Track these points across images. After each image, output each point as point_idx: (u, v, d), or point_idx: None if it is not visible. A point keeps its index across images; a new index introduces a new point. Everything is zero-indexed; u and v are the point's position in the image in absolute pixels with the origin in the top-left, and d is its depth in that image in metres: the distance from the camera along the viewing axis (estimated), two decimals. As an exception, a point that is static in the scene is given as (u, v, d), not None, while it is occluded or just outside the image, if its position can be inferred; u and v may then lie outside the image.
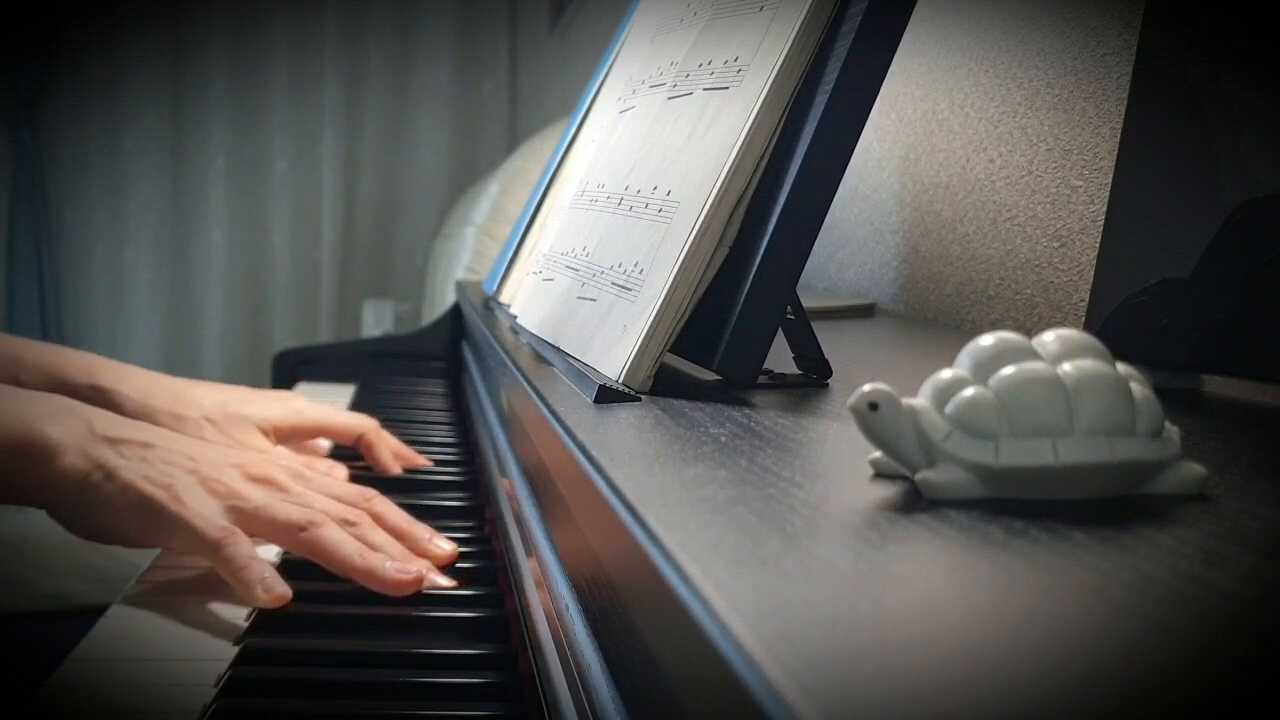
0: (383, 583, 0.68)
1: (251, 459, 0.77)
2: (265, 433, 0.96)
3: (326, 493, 0.77)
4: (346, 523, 0.73)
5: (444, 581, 0.71)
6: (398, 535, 0.75)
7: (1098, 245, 0.67)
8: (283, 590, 0.66)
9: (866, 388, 0.35)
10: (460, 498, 0.93)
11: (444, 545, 0.75)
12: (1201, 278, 0.57)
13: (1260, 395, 0.58)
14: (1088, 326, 0.63)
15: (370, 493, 0.78)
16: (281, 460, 0.80)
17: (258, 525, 0.71)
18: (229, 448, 0.80)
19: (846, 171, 0.56)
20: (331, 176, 3.53)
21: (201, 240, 3.55)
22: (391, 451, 1.01)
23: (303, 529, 0.71)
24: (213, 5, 3.50)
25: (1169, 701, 0.20)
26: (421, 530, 0.76)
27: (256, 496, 0.72)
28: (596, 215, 0.72)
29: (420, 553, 0.74)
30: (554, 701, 0.49)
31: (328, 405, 1.04)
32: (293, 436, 0.98)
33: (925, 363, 0.46)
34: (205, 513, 0.69)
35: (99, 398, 0.90)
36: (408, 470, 1.00)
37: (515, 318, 0.83)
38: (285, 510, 0.72)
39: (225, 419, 0.94)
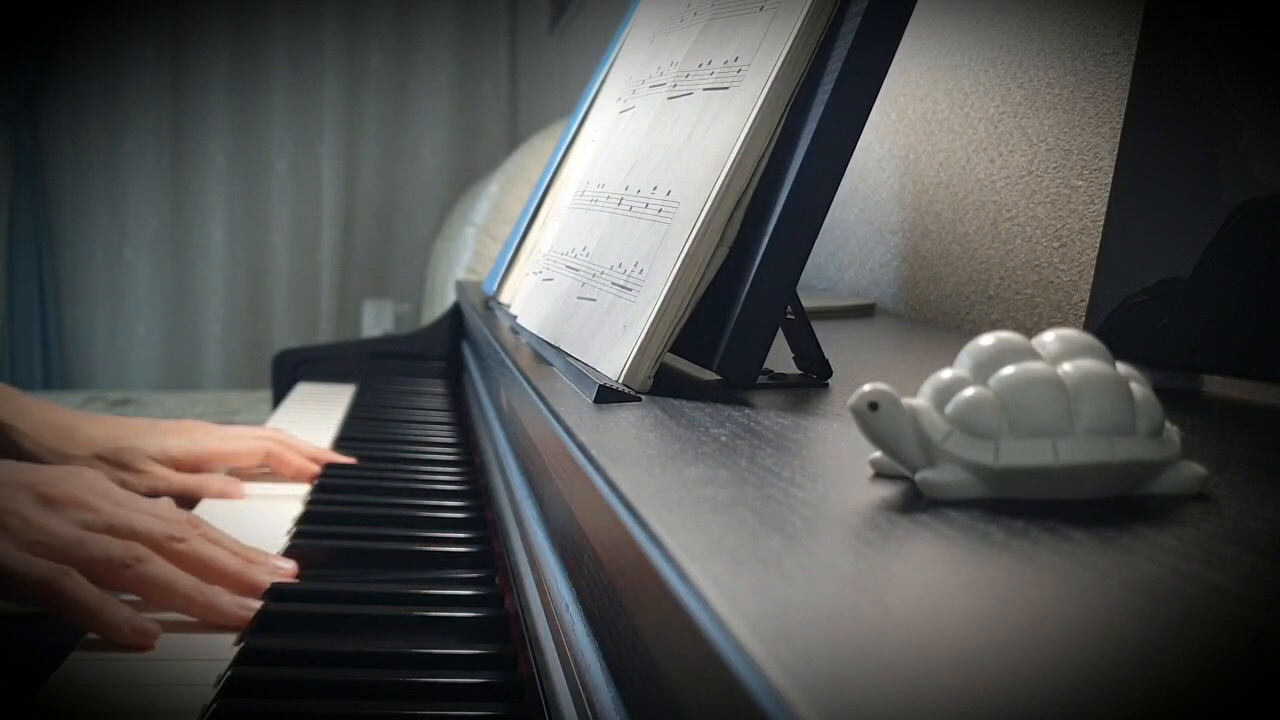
0: (224, 618, 0.63)
1: (49, 476, 0.68)
2: (164, 465, 0.93)
3: (145, 511, 0.69)
4: (173, 539, 0.66)
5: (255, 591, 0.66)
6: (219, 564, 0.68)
7: (1098, 245, 0.67)
8: (152, 627, 0.61)
9: (866, 388, 0.35)
10: (460, 498, 0.93)
11: (284, 565, 0.71)
12: (1201, 278, 0.57)
13: (1260, 395, 0.58)
14: (1088, 326, 0.63)
15: (197, 519, 0.71)
16: (87, 477, 0.70)
17: (70, 562, 0.62)
18: (21, 466, 0.69)
19: (846, 171, 0.56)
20: (331, 176, 3.54)
21: (201, 240, 3.55)
22: (304, 456, 0.98)
23: (126, 566, 0.63)
24: (213, 5, 3.50)
25: (1169, 701, 0.20)
26: (254, 552, 0.70)
27: (62, 531, 0.63)
28: (596, 215, 0.72)
29: (236, 582, 0.67)
30: (554, 701, 0.49)
31: (229, 429, 1.00)
32: (195, 468, 0.95)
33: (925, 363, 0.46)
34: (16, 552, 0.61)
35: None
36: (406, 470, 1.00)
37: (515, 318, 0.83)
38: (101, 546, 0.63)
39: (117, 454, 0.91)
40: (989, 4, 1.04)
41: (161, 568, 0.64)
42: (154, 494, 0.86)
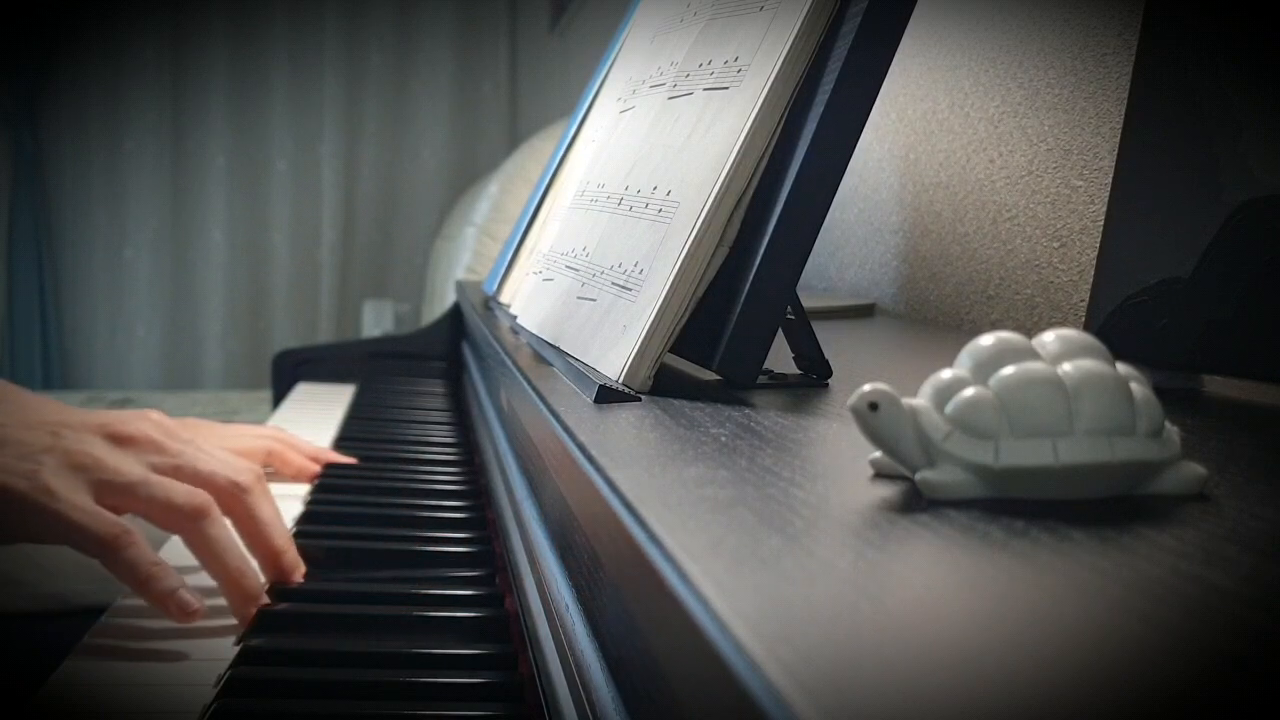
0: (248, 604, 0.63)
1: (119, 416, 0.68)
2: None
3: (212, 454, 0.69)
4: (237, 487, 0.67)
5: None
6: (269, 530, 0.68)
7: (1098, 245, 0.67)
8: (198, 605, 0.61)
9: (866, 388, 0.35)
10: (459, 498, 0.93)
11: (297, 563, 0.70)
12: (1201, 278, 0.57)
13: (1260, 395, 0.58)
14: (1088, 326, 0.63)
15: (261, 474, 0.70)
16: (154, 417, 0.70)
17: (136, 504, 0.63)
18: (86, 410, 0.70)
19: (846, 171, 0.56)
20: (331, 176, 3.54)
21: (201, 240, 3.55)
22: (304, 455, 0.97)
23: (187, 517, 0.63)
24: (213, 5, 3.50)
25: (1169, 701, 0.20)
26: (285, 538, 0.70)
27: (131, 470, 0.64)
28: (596, 215, 0.72)
29: (272, 554, 0.68)
30: (554, 701, 0.49)
31: (231, 428, 0.99)
32: None
33: (925, 363, 0.46)
34: (86, 504, 0.61)
35: None
36: (406, 470, 1.00)
37: (515, 318, 0.83)
38: (165, 490, 0.63)
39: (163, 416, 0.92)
40: (989, 4, 1.04)
41: (219, 531, 0.64)
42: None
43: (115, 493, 0.62)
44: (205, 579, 0.65)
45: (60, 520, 0.60)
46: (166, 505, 0.63)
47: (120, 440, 0.66)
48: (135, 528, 0.62)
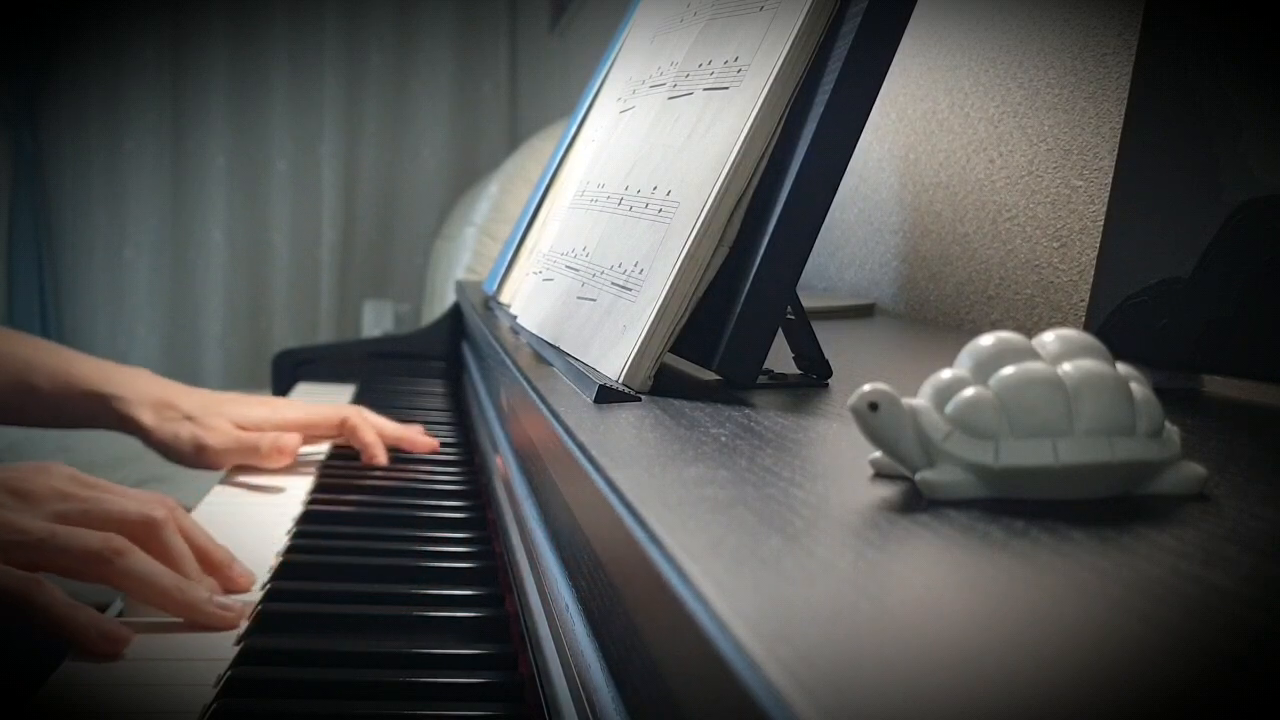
0: (204, 617, 0.63)
1: (21, 473, 0.66)
2: (245, 430, 0.98)
3: (120, 494, 0.68)
4: (149, 521, 0.65)
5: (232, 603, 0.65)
6: (201, 553, 0.68)
7: (1098, 245, 0.67)
8: (124, 633, 0.60)
9: (866, 388, 0.35)
10: (459, 498, 0.93)
11: (245, 572, 0.70)
12: (1201, 278, 0.57)
13: (1260, 395, 0.58)
14: (1088, 326, 0.63)
15: (173, 503, 0.70)
16: (57, 471, 0.69)
17: (46, 558, 0.61)
18: None
19: (846, 171, 0.56)
20: (331, 176, 3.54)
21: (201, 240, 3.55)
22: (378, 433, 1.01)
23: (104, 559, 0.61)
24: (213, 5, 3.50)
25: (1169, 701, 0.20)
26: (223, 553, 0.70)
27: (35, 527, 0.62)
28: (596, 215, 0.72)
29: (220, 574, 0.68)
30: (554, 701, 0.49)
31: (313, 404, 1.05)
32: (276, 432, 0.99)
33: (925, 363, 0.46)
34: None
35: (107, 404, 0.94)
36: (406, 470, 1.00)
37: (515, 318, 0.83)
38: (77, 539, 0.61)
39: (204, 415, 0.97)
40: (989, 4, 1.04)
41: (140, 561, 0.63)
42: (201, 449, 0.94)
43: (24, 550, 0.61)
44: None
45: None
46: (82, 553, 0.61)
47: (21, 496, 0.65)
48: (49, 583, 0.60)
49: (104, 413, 0.96)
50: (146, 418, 0.96)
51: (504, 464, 0.81)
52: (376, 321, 3.57)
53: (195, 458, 0.96)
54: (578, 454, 0.43)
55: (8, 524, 0.62)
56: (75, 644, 0.59)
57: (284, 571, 0.73)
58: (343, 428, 1.01)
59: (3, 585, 0.59)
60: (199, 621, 0.63)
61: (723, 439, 0.44)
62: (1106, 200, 0.65)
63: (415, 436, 1.05)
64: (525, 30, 3.63)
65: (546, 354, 0.68)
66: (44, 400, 0.95)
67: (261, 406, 1.02)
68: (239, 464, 0.98)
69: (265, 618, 0.65)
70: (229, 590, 0.68)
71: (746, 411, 0.50)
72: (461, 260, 2.29)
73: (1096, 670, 0.21)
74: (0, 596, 0.59)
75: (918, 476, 0.35)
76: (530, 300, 0.80)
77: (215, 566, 0.69)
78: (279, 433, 0.98)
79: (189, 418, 0.97)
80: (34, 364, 0.95)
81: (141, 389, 0.97)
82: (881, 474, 0.38)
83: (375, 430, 1.02)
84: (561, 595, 0.51)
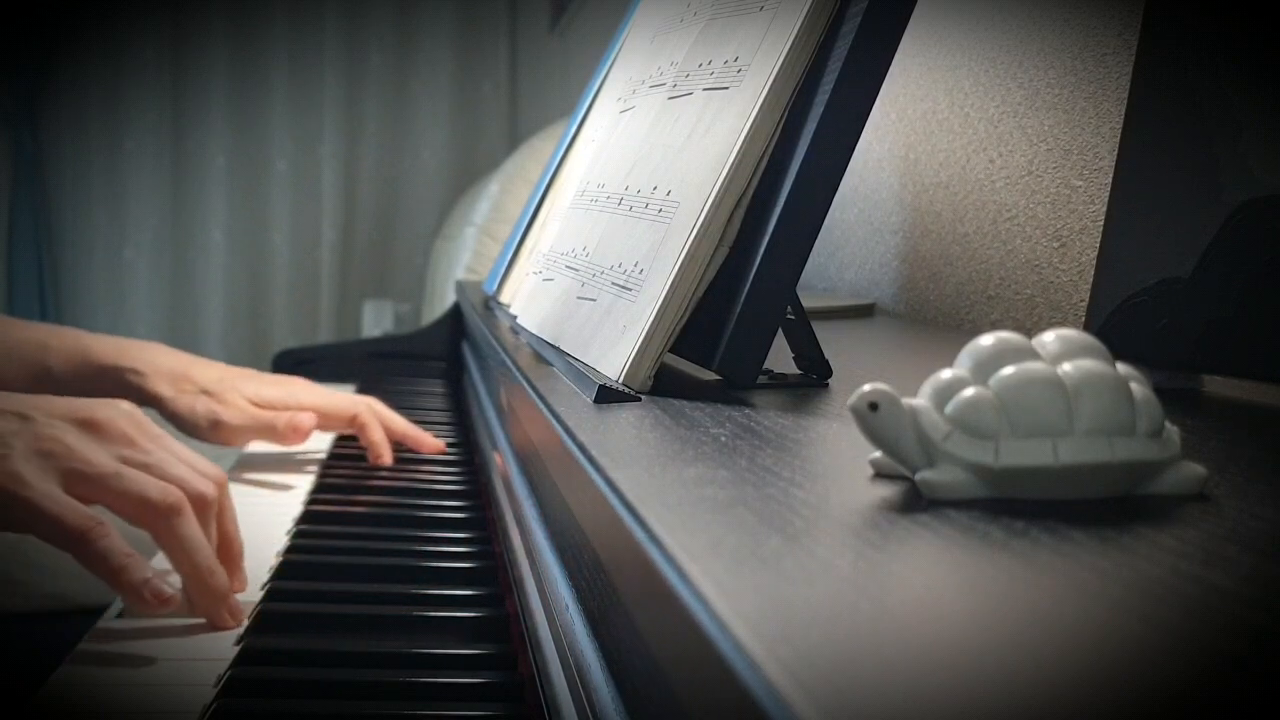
0: (216, 611, 0.63)
1: (89, 404, 0.66)
2: (260, 408, 0.98)
3: (181, 458, 0.68)
4: (202, 499, 0.65)
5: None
6: (226, 539, 0.68)
7: (1098, 245, 0.67)
8: (172, 594, 0.60)
9: (866, 388, 0.35)
10: (459, 498, 0.93)
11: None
12: (1201, 278, 0.57)
13: (1260, 395, 0.58)
14: (1088, 326, 0.63)
15: (224, 479, 0.69)
16: (125, 408, 0.69)
17: (107, 497, 0.62)
18: (65, 399, 0.67)
19: (846, 171, 0.56)
20: (331, 176, 3.53)
21: (201, 240, 3.55)
22: (387, 429, 1.01)
23: (160, 512, 0.61)
24: (213, 5, 3.50)
25: (1169, 701, 0.20)
26: (240, 546, 0.70)
27: (102, 460, 0.62)
28: (596, 215, 0.72)
29: (232, 566, 0.68)
30: (554, 701, 0.49)
31: (329, 389, 1.05)
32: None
33: (925, 363, 0.46)
34: (56, 494, 0.59)
35: (123, 378, 0.95)
36: (406, 470, 1.00)
37: (515, 318, 0.83)
38: (139, 484, 0.62)
39: (221, 390, 0.97)
40: (989, 4, 1.04)
41: (190, 527, 0.63)
42: (217, 425, 0.94)
43: (86, 483, 0.61)
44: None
45: (30, 509, 0.58)
46: (140, 499, 0.61)
47: (91, 427, 0.64)
48: (113, 526, 0.61)
49: (121, 387, 0.96)
50: (164, 389, 0.96)
51: (504, 464, 0.81)
52: (376, 321, 3.57)
53: (210, 433, 0.96)
54: (578, 454, 0.43)
55: (75, 452, 0.61)
56: (124, 596, 0.60)
57: (284, 571, 0.73)
58: (353, 424, 1.01)
59: (69, 521, 0.59)
60: (208, 611, 0.63)
61: (723, 439, 0.44)
62: (1106, 200, 0.65)
63: (422, 435, 1.05)
64: (525, 30, 3.63)
65: (546, 354, 0.68)
66: (62, 381, 0.95)
67: (278, 386, 1.02)
68: (254, 439, 0.98)
69: (265, 618, 0.65)
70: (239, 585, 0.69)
71: (746, 411, 0.50)
72: (461, 260, 2.29)
73: (1097, 670, 0.21)
74: (63, 531, 0.58)
75: (918, 476, 0.35)
76: (530, 300, 0.80)
77: (232, 557, 0.69)
78: (295, 412, 0.98)
79: (206, 392, 0.97)
80: (50, 346, 0.96)
81: (158, 361, 0.98)
82: (881, 474, 0.38)
83: (384, 428, 1.02)
84: (561, 595, 0.51)
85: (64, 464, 0.61)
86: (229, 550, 0.68)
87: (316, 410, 1.01)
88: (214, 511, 0.67)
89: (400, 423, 1.04)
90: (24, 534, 0.59)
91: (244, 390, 0.99)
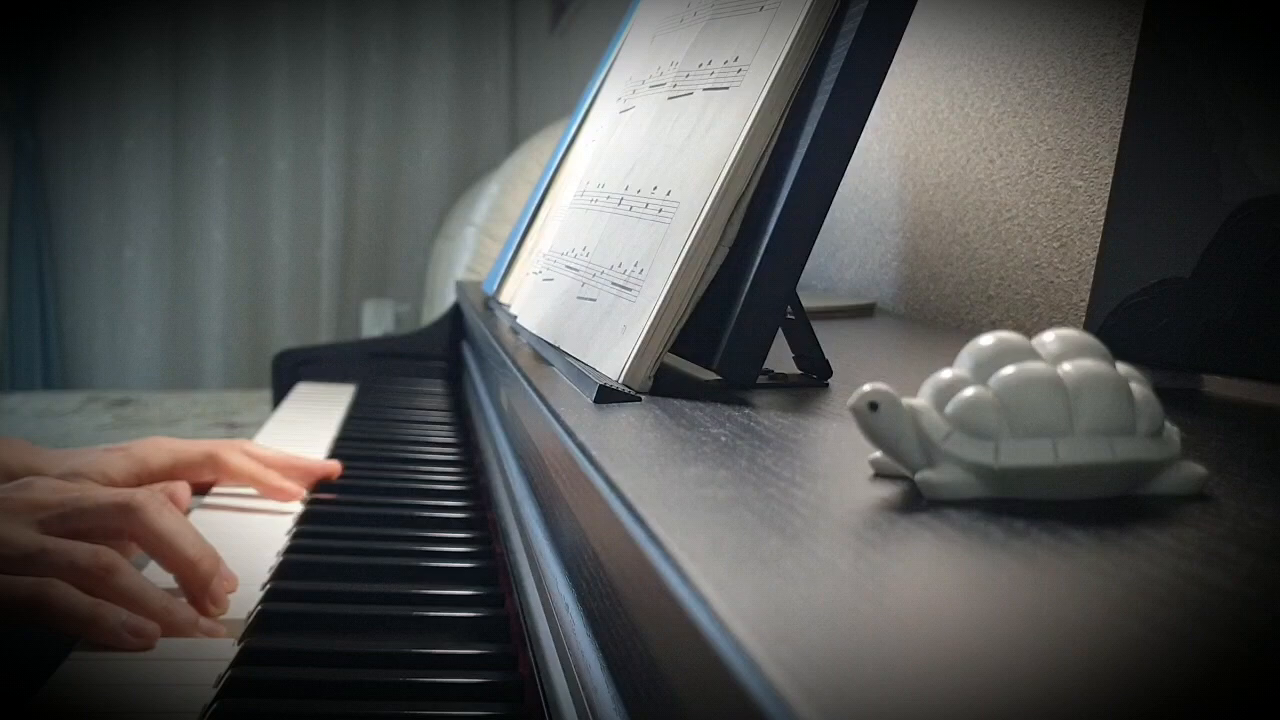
0: (191, 636, 0.63)
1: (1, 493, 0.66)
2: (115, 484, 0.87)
3: (99, 487, 0.67)
4: (126, 508, 0.65)
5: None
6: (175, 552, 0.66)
7: (1098, 245, 0.67)
8: (152, 627, 0.60)
9: (866, 388, 0.35)
10: (459, 498, 0.93)
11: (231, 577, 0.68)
12: (1201, 278, 0.57)
13: (1260, 395, 0.58)
14: (1088, 326, 0.63)
15: (151, 488, 0.69)
16: (38, 483, 0.69)
17: (39, 573, 0.61)
18: None
19: (846, 171, 0.56)
20: (331, 176, 3.53)
21: (201, 240, 3.55)
22: (271, 465, 0.91)
23: (95, 576, 0.61)
24: (213, 5, 3.50)
25: (1169, 701, 0.20)
26: (211, 561, 0.67)
27: (24, 539, 0.62)
28: (596, 215, 0.72)
29: (184, 565, 0.66)
30: (554, 701, 0.49)
31: (177, 441, 0.92)
32: (150, 484, 0.88)
33: (925, 363, 0.46)
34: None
35: None
36: (406, 470, 1.00)
37: (515, 318, 0.83)
38: (69, 553, 0.61)
39: (62, 478, 0.85)
40: (989, 4, 1.04)
41: (131, 579, 0.62)
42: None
43: (16, 566, 0.61)
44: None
45: None
46: (70, 568, 0.61)
47: (3, 511, 0.64)
48: (62, 582, 0.60)
49: None
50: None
51: (504, 464, 0.81)
52: (376, 321, 3.57)
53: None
54: (578, 454, 0.43)
55: (39, 501, 0.62)
56: (103, 642, 0.59)
57: (284, 571, 0.73)
58: (213, 468, 0.90)
59: (17, 595, 0.59)
60: (188, 632, 0.63)
61: (723, 439, 0.44)
62: (1106, 200, 0.65)
63: (312, 463, 0.94)
64: (525, 30, 3.63)
65: (546, 354, 0.68)
66: None
67: (124, 458, 0.88)
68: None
69: (265, 618, 0.65)
70: (198, 585, 0.66)
71: (746, 411, 0.50)
72: (461, 260, 2.29)
73: (1097, 670, 0.21)
74: (16, 606, 0.59)
75: (918, 476, 0.35)
76: (530, 300, 0.80)
77: (196, 579, 0.66)
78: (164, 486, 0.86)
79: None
80: None
81: (2, 459, 0.87)
82: (881, 474, 0.38)
83: (263, 461, 0.91)
84: (561, 595, 0.51)
85: (31, 516, 0.62)
86: (189, 574, 0.66)
87: (172, 469, 0.89)
88: (148, 515, 0.65)
89: (280, 455, 0.93)
90: None
91: (88, 472, 0.85)
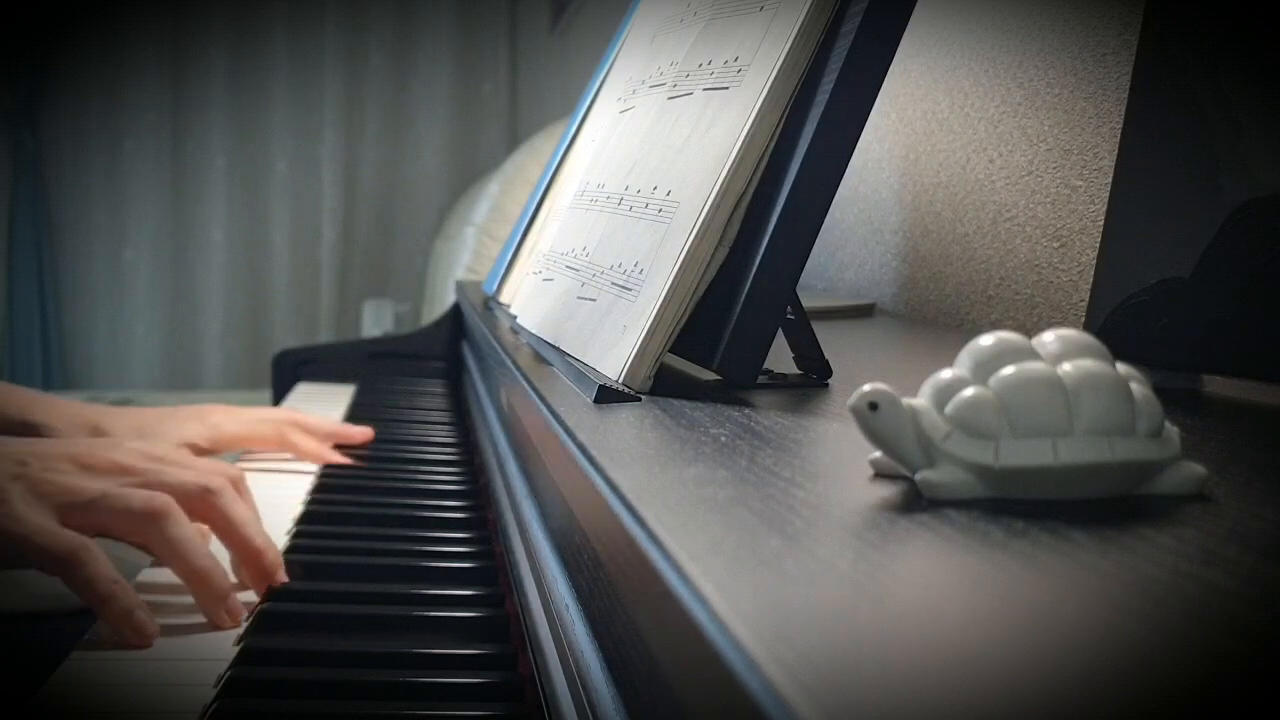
0: (215, 610, 0.64)
1: (89, 447, 0.69)
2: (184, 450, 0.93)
3: (181, 465, 0.70)
4: (206, 491, 0.67)
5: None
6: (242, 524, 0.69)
7: (1098, 245, 0.67)
8: (153, 627, 0.61)
9: (866, 388, 0.35)
10: (459, 498, 0.93)
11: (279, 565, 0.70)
12: (1201, 278, 0.57)
13: (1260, 395, 0.58)
14: (1088, 326, 0.63)
15: (240, 476, 0.71)
16: (127, 445, 0.71)
17: (99, 518, 0.63)
18: (66, 441, 0.72)
19: (846, 171, 0.56)
20: (331, 176, 3.54)
21: (201, 240, 3.55)
22: (320, 437, 1.02)
23: (149, 520, 0.63)
24: (213, 5, 3.50)
25: (1169, 701, 0.20)
26: (264, 539, 0.70)
27: (93, 487, 0.64)
28: (596, 215, 0.72)
29: (250, 553, 0.68)
30: (554, 701, 0.49)
31: (247, 412, 1.02)
32: (213, 452, 0.97)
33: (925, 363, 0.46)
34: (47, 525, 0.62)
35: (29, 433, 0.91)
36: (406, 470, 1.00)
37: (515, 318, 0.83)
38: (125, 498, 0.64)
39: (142, 441, 0.93)
40: (989, 4, 1.04)
41: (181, 531, 0.64)
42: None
43: (78, 511, 0.63)
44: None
45: (21, 542, 0.60)
46: (125, 512, 0.63)
47: (87, 467, 0.67)
48: (102, 552, 0.62)
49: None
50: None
51: (504, 464, 0.81)
52: (376, 321, 3.57)
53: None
54: (578, 454, 0.43)
55: (67, 487, 0.64)
56: (106, 622, 0.61)
57: (287, 568, 0.73)
58: (281, 446, 1.01)
59: (54, 546, 0.60)
60: (206, 611, 0.64)
61: (723, 439, 0.44)
62: (1106, 200, 0.65)
63: (350, 428, 1.06)
64: (525, 30, 3.63)
65: (546, 354, 0.68)
66: None
67: (195, 421, 0.97)
68: None
69: (265, 618, 0.65)
70: (254, 577, 0.68)
71: (746, 411, 0.50)
72: (461, 260, 2.29)
73: (1097, 670, 0.21)
74: (51, 557, 0.60)
75: (918, 476, 0.35)
76: (530, 300, 0.80)
77: (248, 557, 0.68)
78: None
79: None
80: None
81: (71, 415, 0.94)
82: (881, 474, 0.38)
83: (313, 437, 1.02)
84: (561, 595, 0.51)
85: (56, 499, 0.63)
86: (244, 552, 0.68)
87: (242, 439, 1.00)
88: (224, 500, 0.68)
89: (325, 424, 1.05)
90: (24, 569, 0.61)
91: (166, 435, 0.94)
